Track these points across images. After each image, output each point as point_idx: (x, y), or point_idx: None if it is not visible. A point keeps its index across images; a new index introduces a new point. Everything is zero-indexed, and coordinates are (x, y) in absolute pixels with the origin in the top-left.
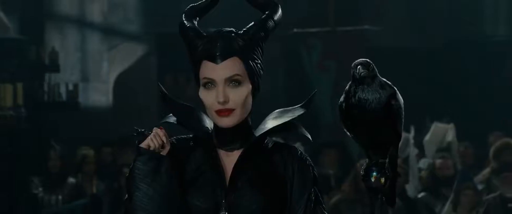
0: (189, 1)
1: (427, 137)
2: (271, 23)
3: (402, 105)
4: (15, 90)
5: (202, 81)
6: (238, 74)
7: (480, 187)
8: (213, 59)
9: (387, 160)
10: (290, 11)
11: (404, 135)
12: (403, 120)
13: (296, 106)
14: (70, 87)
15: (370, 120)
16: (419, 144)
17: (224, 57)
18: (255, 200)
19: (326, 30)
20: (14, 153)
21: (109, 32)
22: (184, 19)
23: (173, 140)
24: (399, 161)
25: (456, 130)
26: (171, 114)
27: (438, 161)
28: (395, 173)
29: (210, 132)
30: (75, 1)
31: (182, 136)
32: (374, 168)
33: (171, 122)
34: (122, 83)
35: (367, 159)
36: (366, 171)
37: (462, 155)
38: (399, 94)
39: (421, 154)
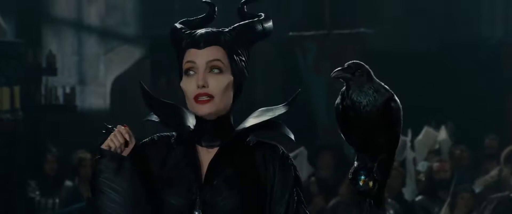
0: (184, 3)
1: (418, 138)
2: (259, 28)
3: (400, 109)
4: (12, 93)
5: (184, 68)
6: (219, 60)
7: (477, 190)
8: (197, 45)
9: (376, 164)
10: (286, 14)
11: (401, 138)
12: (399, 129)
13: (279, 105)
14: (67, 90)
15: (364, 123)
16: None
17: (207, 44)
18: (231, 199)
19: (322, 33)
20: (11, 156)
21: (106, 35)
22: (177, 24)
23: (155, 137)
24: (396, 164)
25: (452, 133)
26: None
27: (436, 164)
28: (388, 176)
29: (191, 129)
30: (72, 4)
31: (164, 134)
32: (362, 172)
33: (154, 120)
34: (119, 86)
35: (355, 162)
36: (354, 174)
37: (458, 158)
38: (397, 98)
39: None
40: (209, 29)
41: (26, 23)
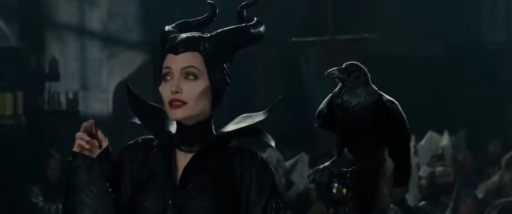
0: (185, 9)
1: (421, 143)
2: (244, 34)
3: (399, 107)
4: (15, 99)
5: (162, 73)
6: (194, 67)
7: (480, 195)
8: (174, 51)
9: (349, 170)
10: (288, 20)
11: None
12: (405, 119)
13: (259, 112)
14: (70, 95)
15: (352, 123)
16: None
17: (184, 50)
18: (204, 203)
19: (324, 39)
20: (13, 161)
21: (108, 40)
22: (167, 27)
23: (139, 140)
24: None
25: (455, 138)
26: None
27: (438, 169)
28: (381, 178)
29: (171, 134)
30: (75, 10)
31: (149, 137)
32: (335, 179)
33: (137, 123)
34: (122, 92)
35: (330, 169)
36: (328, 182)
37: (461, 163)
38: (391, 98)
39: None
40: (190, 34)
41: (29, 29)
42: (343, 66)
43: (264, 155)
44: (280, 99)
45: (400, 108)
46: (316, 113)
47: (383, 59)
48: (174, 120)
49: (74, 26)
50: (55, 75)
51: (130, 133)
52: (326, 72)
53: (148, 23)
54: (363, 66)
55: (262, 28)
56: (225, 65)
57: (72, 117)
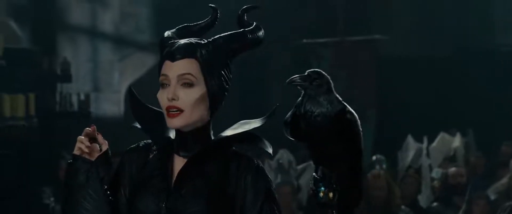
0: (198, 11)
1: (433, 145)
2: (242, 39)
3: (358, 121)
4: (27, 100)
5: (160, 80)
6: (190, 74)
7: (493, 197)
8: (171, 58)
9: (334, 174)
10: (300, 22)
11: (417, 145)
12: (360, 135)
13: (257, 119)
14: (82, 97)
15: (315, 133)
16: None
17: (181, 57)
18: (197, 208)
19: (336, 40)
20: (25, 162)
21: (120, 42)
22: (167, 32)
23: (140, 144)
24: (411, 170)
25: (467, 139)
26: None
27: (451, 170)
28: (357, 188)
29: (171, 138)
30: (87, 11)
31: (150, 141)
32: (321, 183)
33: (139, 127)
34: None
35: (313, 174)
36: (314, 186)
37: (474, 165)
38: (352, 111)
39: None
40: (187, 40)
41: (41, 30)
42: (306, 74)
43: (276, 157)
44: (277, 106)
45: (358, 122)
46: (283, 123)
47: (395, 60)
48: (172, 128)
49: (86, 28)
50: (67, 77)
51: (140, 134)
52: (288, 80)
53: (160, 25)
54: (326, 74)
55: (260, 33)
56: (222, 71)
57: (83, 118)
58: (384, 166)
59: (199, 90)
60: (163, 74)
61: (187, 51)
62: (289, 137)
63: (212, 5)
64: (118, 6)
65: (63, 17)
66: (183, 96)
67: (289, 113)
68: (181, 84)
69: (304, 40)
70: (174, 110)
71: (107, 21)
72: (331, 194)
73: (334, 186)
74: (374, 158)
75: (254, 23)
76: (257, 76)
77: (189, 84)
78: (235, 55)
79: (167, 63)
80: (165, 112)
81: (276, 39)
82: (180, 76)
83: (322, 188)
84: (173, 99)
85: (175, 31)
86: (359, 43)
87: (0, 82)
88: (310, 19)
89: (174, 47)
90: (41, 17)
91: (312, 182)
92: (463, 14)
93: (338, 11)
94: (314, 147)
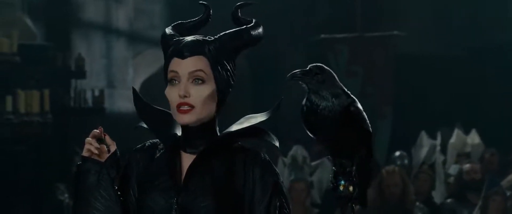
0: (212, 6)
1: (450, 141)
2: (246, 37)
3: (362, 112)
4: (42, 96)
5: (168, 76)
6: (201, 70)
7: (508, 192)
8: (180, 55)
9: (354, 168)
10: (317, 17)
11: (430, 141)
12: (367, 125)
13: (262, 113)
14: (96, 93)
15: (323, 126)
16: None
17: (190, 54)
18: (207, 204)
19: (353, 35)
20: (40, 159)
21: (134, 38)
22: (167, 29)
23: (147, 143)
24: (425, 166)
25: (481, 136)
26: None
27: (466, 166)
28: (367, 177)
29: (177, 137)
30: (101, 8)
31: (157, 140)
32: (341, 177)
33: (145, 127)
34: (147, 90)
35: (333, 168)
36: (334, 179)
37: (488, 161)
38: (358, 102)
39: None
40: (194, 38)
41: (55, 27)
42: (307, 68)
43: (290, 153)
44: (282, 99)
45: (363, 114)
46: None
47: (412, 57)
48: (181, 124)
49: (100, 24)
50: (81, 73)
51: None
52: (289, 74)
53: (174, 21)
54: (328, 68)
55: (261, 30)
56: (229, 68)
57: (98, 115)
58: (406, 162)
59: (209, 87)
60: (172, 71)
61: (196, 48)
62: (308, 133)
63: (203, 2)
64: (132, 2)
65: (78, 14)
66: (194, 93)
67: (302, 105)
68: (192, 81)
69: (322, 36)
70: (186, 106)
71: (121, 18)
72: (351, 188)
73: (354, 179)
74: (397, 153)
75: (254, 20)
76: (273, 71)
77: (201, 81)
78: (239, 53)
79: (177, 60)
80: (175, 109)
81: (293, 34)
82: (191, 73)
83: (342, 182)
84: (185, 96)
85: (172, 28)
86: (376, 39)
87: (15, 78)
88: (328, 14)
89: (182, 44)
90: (55, 13)
91: (332, 175)
92: (479, 11)
93: (356, 6)
94: (329, 141)
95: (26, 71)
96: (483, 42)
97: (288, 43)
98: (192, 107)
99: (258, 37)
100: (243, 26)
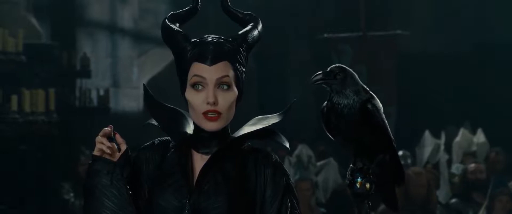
0: (216, 6)
1: (454, 140)
2: (256, 35)
3: (380, 109)
4: (47, 95)
5: (191, 81)
6: (228, 76)
7: None
8: (205, 61)
9: (372, 165)
10: (321, 16)
11: (434, 140)
12: (385, 123)
13: (274, 114)
14: (101, 92)
15: (344, 125)
16: (450, 148)
17: (216, 60)
18: (219, 204)
19: (357, 35)
20: (45, 158)
21: (139, 38)
22: (169, 23)
23: (156, 141)
24: (429, 166)
25: (487, 135)
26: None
27: (471, 166)
28: (392, 178)
29: (188, 135)
30: (106, 7)
31: (165, 138)
32: (358, 174)
33: (154, 125)
34: (152, 89)
35: (351, 165)
36: (351, 176)
37: (494, 160)
38: (376, 99)
39: (450, 158)
40: (215, 39)
41: (61, 26)
42: (328, 70)
43: (295, 152)
44: (294, 102)
45: (380, 111)
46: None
47: (415, 55)
48: (208, 130)
49: (105, 24)
50: (86, 72)
51: (159, 130)
52: (311, 79)
53: None
54: (348, 68)
55: (261, 24)
56: (244, 70)
57: (103, 114)
58: (409, 161)
59: (234, 92)
60: (197, 76)
61: (222, 54)
62: (328, 134)
63: None
64: (137, 2)
65: (83, 13)
66: (222, 100)
67: (323, 106)
68: (218, 87)
69: (325, 35)
70: (214, 113)
71: (126, 17)
72: (368, 185)
73: (371, 177)
74: (400, 153)
75: (251, 14)
76: (277, 70)
77: (227, 86)
78: (249, 51)
79: (201, 66)
80: (200, 115)
81: (297, 33)
82: (219, 79)
83: (359, 179)
84: (214, 103)
85: (169, 19)
86: (380, 39)
87: (20, 77)
88: (332, 13)
89: (204, 49)
90: (61, 13)
91: (349, 172)
92: (483, 9)
93: (359, 6)
94: (349, 139)
95: (31, 71)
96: (488, 40)
97: (292, 42)
98: (219, 113)
99: (262, 33)
100: (238, 18)
